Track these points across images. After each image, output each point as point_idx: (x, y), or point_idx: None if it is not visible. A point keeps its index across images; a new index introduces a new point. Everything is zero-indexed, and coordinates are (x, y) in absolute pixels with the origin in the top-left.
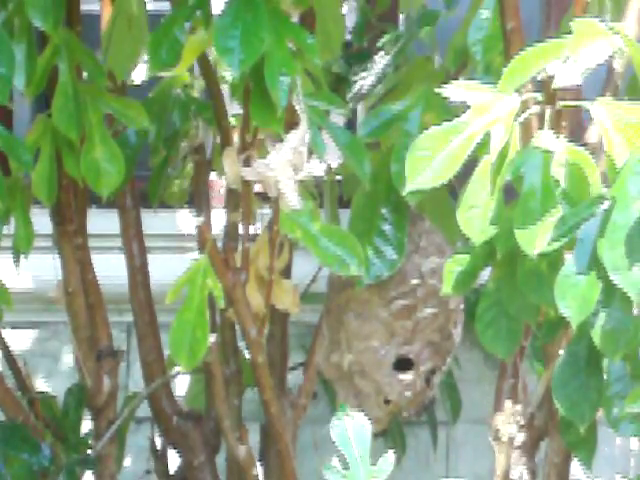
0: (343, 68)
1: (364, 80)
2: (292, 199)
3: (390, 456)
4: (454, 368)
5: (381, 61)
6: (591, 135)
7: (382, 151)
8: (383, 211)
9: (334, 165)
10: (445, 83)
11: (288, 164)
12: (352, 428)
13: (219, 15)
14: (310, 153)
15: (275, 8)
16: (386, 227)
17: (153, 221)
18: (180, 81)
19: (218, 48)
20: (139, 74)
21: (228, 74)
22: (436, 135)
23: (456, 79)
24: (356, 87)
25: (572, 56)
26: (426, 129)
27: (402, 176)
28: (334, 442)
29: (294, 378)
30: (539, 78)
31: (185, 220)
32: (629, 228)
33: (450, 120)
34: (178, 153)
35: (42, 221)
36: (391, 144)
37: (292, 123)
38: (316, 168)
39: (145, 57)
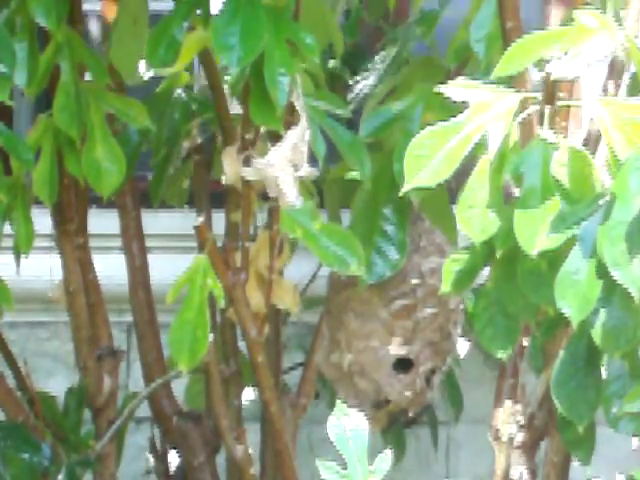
0: (338, 66)
1: (365, 80)
2: (291, 196)
3: (387, 455)
4: (455, 368)
5: (382, 61)
6: (590, 134)
7: (383, 151)
8: (385, 211)
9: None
10: (445, 82)
11: (287, 161)
12: (350, 427)
13: (217, 13)
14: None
15: (273, 7)
16: (388, 227)
17: (153, 221)
18: (181, 80)
19: (217, 45)
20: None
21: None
22: (434, 134)
23: (456, 78)
24: (357, 88)
25: (573, 49)
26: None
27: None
28: (332, 442)
29: (294, 378)
30: (539, 77)
31: (185, 220)
32: (629, 224)
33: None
34: (179, 153)
35: (42, 221)
36: (392, 144)
37: (291, 121)
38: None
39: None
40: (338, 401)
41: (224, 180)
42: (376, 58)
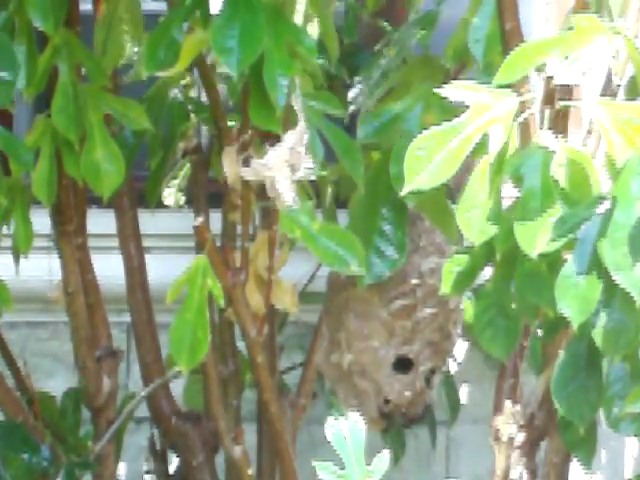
0: (336, 66)
1: (365, 81)
2: (288, 198)
3: (385, 455)
4: (453, 368)
5: (382, 62)
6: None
7: (382, 151)
8: (383, 211)
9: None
10: (445, 83)
11: (285, 163)
12: (347, 428)
13: (216, 15)
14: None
15: (272, 8)
16: (386, 227)
17: (151, 221)
18: (177, 81)
19: (217, 48)
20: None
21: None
22: (434, 135)
23: (456, 79)
24: (357, 89)
25: (572, 54)
26: (426, 129)
27: (401, 177)
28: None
29: (294, 378)
30: (539, 80)
31: (183, 220)
32: (631, 227)
33: (449, 120)
34: (176, 153)
35: (42, 221)
36: (391, 144)
37: (290, 123)
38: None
39: (138, 52)
40: (336, 402)
41: (225, 180)
42: (376, 59)
